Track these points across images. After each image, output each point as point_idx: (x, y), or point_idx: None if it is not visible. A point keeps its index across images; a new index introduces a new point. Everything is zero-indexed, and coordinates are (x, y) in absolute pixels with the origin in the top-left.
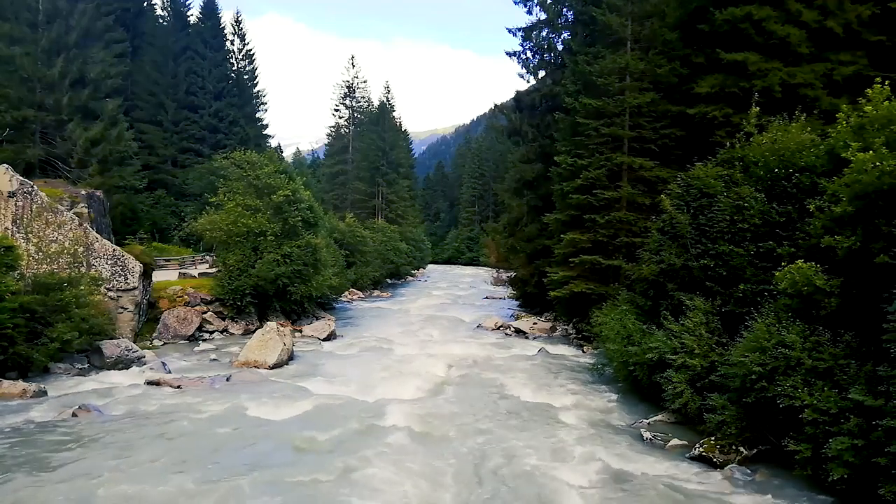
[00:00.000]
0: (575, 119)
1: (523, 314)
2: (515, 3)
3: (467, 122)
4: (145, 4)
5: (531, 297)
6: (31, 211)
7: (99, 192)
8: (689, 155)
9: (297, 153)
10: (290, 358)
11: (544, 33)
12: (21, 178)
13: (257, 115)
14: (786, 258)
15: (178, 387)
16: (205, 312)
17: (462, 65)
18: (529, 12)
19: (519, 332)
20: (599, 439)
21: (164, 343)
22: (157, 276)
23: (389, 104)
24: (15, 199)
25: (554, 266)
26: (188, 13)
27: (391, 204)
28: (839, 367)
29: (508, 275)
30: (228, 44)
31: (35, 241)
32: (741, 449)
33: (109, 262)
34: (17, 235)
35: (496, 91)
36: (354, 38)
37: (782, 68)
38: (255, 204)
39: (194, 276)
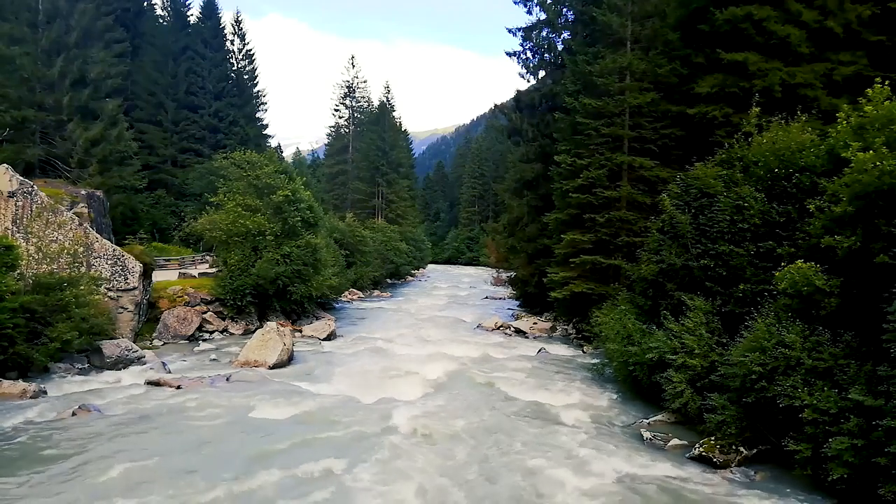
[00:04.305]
0: (575, 119)
1: (523, 314)
2: (515, 3)
3: (467, 122)
4: (145, 4)
5: (531, 297)
6: (31, 211)
7: (99, 192)
8: (689, 155)
9: (297, 153)
10: (291, 358)
11: (544, 33)
12: (21, 178)
13: (257, 115)
14: (786, 258)
15: (178, 387)
16: (205, 312)
17: (462, 65)
18: (529, 12)
19: (519, 332)
20: (599, 439)
21: (164, 343)
22: (157, 276)
23: (389, 104)
24: (15, 199)
25: (554, 266)
26: (188, 13)
27: (391, 204)
28: (839, 367)
29: (508, 275)
30: (228, 44)
31: (35, 241)
32: (741, 449)
33: (109, 262)
34: (17, 235)
35: (496, 91)
36: (355, 39)
37: (782, 68)
38: (255, 204)
39: (194, 276)
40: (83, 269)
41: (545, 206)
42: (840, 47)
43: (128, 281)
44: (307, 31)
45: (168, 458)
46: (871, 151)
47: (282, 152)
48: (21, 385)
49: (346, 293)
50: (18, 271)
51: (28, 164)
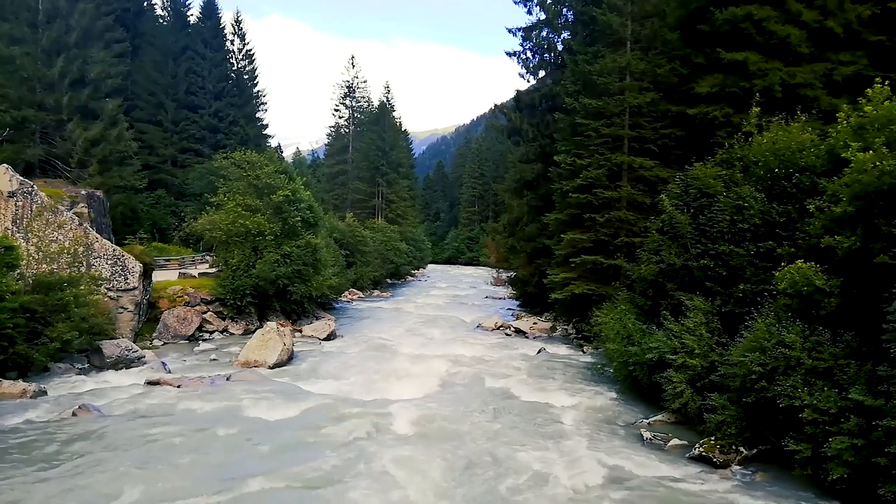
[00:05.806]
0: (575, 119)
1: (523, 314)
2: (515, 3)
3: (467, 122)
4: (145, 4)
5: (531, 297)
6: (31, 211)
7: (99, 192)
8: (689, 155)
9: (297, 153)
10: (291, 358)
11: (544, 33)
12: (21, 178)
13: (257, 115)
14: (786, 258)
15: (178, 387)
16: (205, 312)
17: (463, 65)
18: (529, 12)
19: (519, 332)
20: (599, 439)
21: (164, 343)
22: (157, 276)
23: (389, 104)
24: (15, 199)
25: (554, 266)
26: (188, 13)
27: (391, 204)
28: (839, 367)
29: (508, 275)
30: (228, 44)
31: (35, 241)
32: (741, 449)
33: (109, 262)
34: (17, 235)
35: (496, 91)
36: (355, 39)
37: (782, 68)
38: (255, 204)
39: (194, 276)
40: (83, 269)
41: (545, 206)
42: (840, 47)
43: (128, 281)
44: (307, 31)
45: (168, 458)
46: (871, 151)
47: (282, 152)
48: (21, 385)
49: (346, 293)
50: (18, 271)
51: (28, 164)
